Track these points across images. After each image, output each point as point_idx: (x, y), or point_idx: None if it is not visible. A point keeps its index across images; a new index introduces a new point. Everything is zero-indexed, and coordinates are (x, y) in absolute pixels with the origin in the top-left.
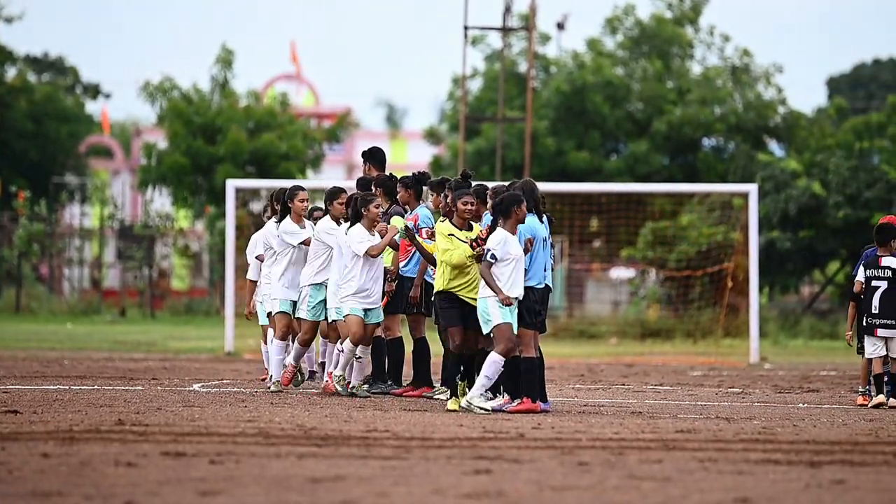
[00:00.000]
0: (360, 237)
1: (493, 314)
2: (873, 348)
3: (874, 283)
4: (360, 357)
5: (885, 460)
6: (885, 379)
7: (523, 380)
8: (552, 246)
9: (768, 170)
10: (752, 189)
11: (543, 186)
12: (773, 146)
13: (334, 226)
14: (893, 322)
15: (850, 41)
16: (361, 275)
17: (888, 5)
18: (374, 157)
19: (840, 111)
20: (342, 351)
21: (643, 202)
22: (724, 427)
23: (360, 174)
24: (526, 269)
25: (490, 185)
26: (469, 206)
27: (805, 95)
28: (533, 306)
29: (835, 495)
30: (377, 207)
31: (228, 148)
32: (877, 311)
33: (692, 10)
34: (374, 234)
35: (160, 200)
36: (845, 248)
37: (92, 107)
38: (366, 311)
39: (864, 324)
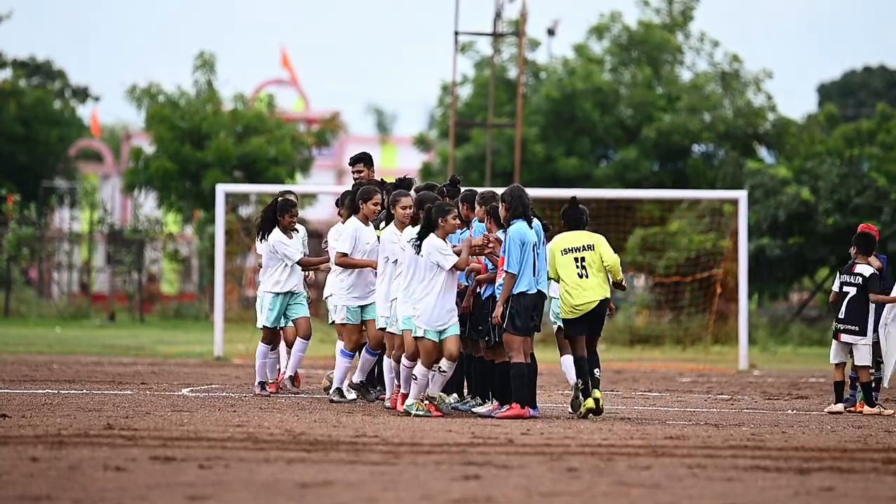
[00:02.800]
0: (443, 249)
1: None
2: (836, 354)
3: (846, 288)
4: (444, 370)
5: (874, 467)
6: (857, 386)
7: (513, 385)
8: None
9: (757, 177)
10: (741, 196)
11: (532, 192)
12: (763, 153)
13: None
14: (857, 328)
15: (840, 48)
16: (441, 289)
17: (878, 13)
18: (372, 162)
19: (830, 118)
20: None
21: (632, 208)
22: (714, 433)
23: (350, 179)
24: (516, 275)
25: (479, 190)
26: None
27: (795, 102)
28: (522, 312)
29: (823, 502)
30: (455, 219)
31: (215, 154)
32: (843, 317)
33: (682, 16)
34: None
35: (149, 205)
36: (835, 255)
37: (81, 110)
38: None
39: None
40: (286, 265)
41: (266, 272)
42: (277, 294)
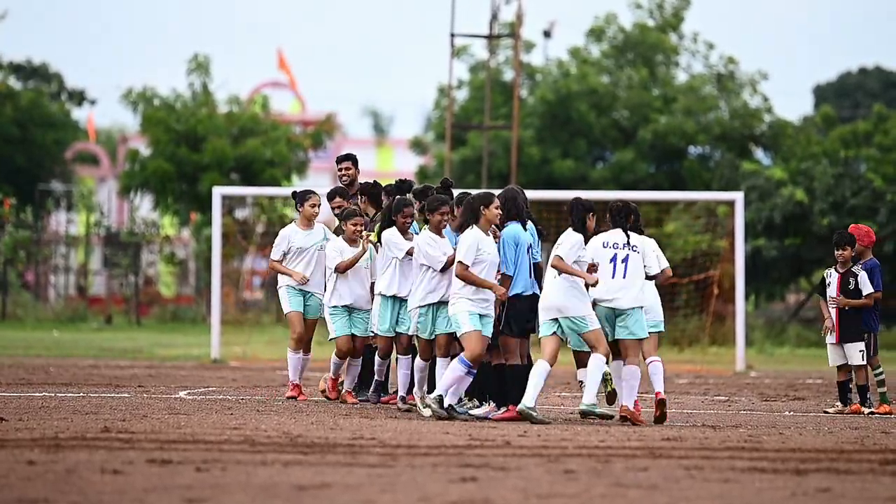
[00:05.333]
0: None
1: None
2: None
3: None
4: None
5: (871, 468)
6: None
7: (509, 387)
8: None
9: (752, 178)
10: (738, 197)
11: (529, 194)
12: (760, 154)
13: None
14: None
15: (835, 49)
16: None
17: (874, 14)
18: (357, 162)
19: (827, 119)
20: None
21: None
22: (711, 435)
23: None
24: (511, 276)
25: (474, 192)
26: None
27: (791, 104)
28: (518, 314)
29: (820, 503)
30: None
31: (211, 156)
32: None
33: (674, 17)
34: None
35: (145, 207)
36: (831, 256)
37: (77, 113)
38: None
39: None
40: (398, 268)
41: (379, 275)
42: (387, 297)
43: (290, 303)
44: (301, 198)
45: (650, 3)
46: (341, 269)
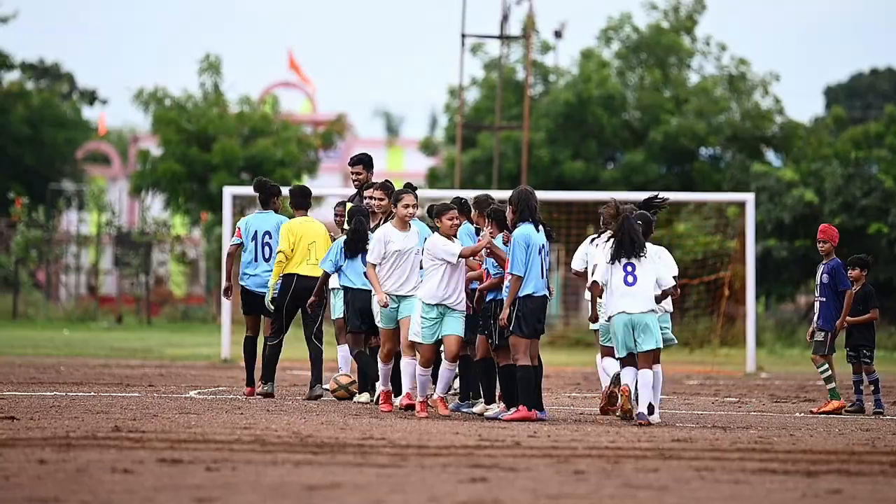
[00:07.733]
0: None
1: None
2: None
3: None
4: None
5: (882, 470)
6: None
7: (519, 388)
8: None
9: (763, 179)
10: (748, 198)
11: (539, 195)
12: (771, 156)
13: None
14: None
15: (847, 51)
16: None
17: (885, 15)
18: (372, 164)
19: (838, 121)
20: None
21: None
22: (721, 436)
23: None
24: (522, 277)
25: (471, 195)
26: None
27: (802, 105)
28: (529, 314)
29: None
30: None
31: (221, 156)
32: None
33: (688, 20)
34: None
35: (156, 207)
36: (842, 257)
37: (89, 113)
38: None
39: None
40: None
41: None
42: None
43: (383, 318)
44: (396, 198)
45: (666, 4)
46: (465, 255)
